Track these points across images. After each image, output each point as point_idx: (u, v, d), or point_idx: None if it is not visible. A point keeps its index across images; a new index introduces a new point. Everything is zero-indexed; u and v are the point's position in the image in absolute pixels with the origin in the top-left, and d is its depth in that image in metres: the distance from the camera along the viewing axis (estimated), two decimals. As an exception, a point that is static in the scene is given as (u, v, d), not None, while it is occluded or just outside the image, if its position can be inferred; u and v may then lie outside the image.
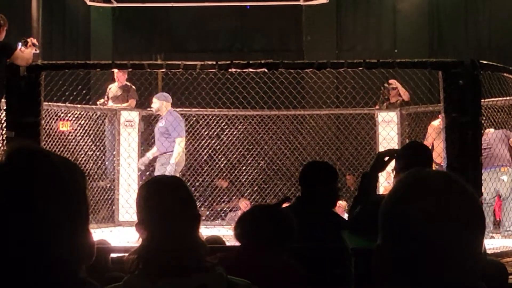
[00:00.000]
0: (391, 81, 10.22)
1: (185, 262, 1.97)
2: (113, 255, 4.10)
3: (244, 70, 6.90)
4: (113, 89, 10.69)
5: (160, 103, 9.09)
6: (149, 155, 9.52)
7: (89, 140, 9.61)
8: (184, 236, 2.03)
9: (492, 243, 7.44)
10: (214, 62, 6.46)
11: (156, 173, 8.78)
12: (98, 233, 7.89)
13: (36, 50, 7.10)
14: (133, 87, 10.70)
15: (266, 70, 6.70)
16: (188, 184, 10.17)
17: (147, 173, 9.96)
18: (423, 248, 1.33)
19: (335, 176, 4.18)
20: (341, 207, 10.42)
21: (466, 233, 1.34)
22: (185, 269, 1.95)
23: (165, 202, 2.05)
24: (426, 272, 1.33)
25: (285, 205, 3.71)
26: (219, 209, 10.82)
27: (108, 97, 10.67)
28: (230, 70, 6.76)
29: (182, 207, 2.06)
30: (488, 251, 6.71)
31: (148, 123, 10.70)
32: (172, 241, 2.00)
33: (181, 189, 2.11)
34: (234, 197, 10.88)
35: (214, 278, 1.97)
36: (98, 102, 10.56)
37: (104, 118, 10.17)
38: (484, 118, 7.74)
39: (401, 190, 1.40)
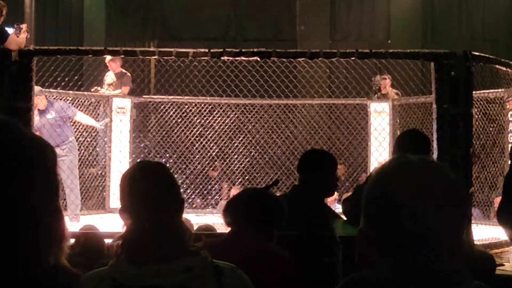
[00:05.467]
0: (385, 75, 10.24)
1: (170, 248, 1.98)
2: (108, 241, 4.10)
3: (237, 58, 6.90)
4: (110, 76, 10.68)
5: (36, 99, 8.41)
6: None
7: (81, 126, 9.59)
8: (169, 222, 2.03)
9: (481, 234, 7.47)
10: (207, 50, 6.45)
11: (68, 165, 8.57)
12: (89, 219, 7.91)
13: (28, 36, 7.11)
14: (128, 74, 10.68)
15: (258, 59, 6.69)
16: (180, 172, 10.28)
17: (138, 160, 9.98)
18: (404, 233, 1.34)
19: (335, 165, 4.14)
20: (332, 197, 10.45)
21: (448, 218, 1.35)
22: (170, 254, 1.96)
23: (149, 188, 2.05)
24: (408, 256, 1.34)
25: (279, 193, 3.70)
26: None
27: (104, 84, 10.65)
28: (222, 58, 6.75)
29: (166, 193, 2.07)
30: (477, 242, 6.75)
31: (141, 110, 10.71)
32: (157, 227, 2.00)
33: (165, 175, 2.12)
34: (225, 186, 10.90)
35: (199, 261, 1.98)
36: (91, 89, 10.55)
37: (96, 105, 10.15)
38: (476, 110, 7.77)
39: (384, 175, 1.41)
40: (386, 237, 1.36)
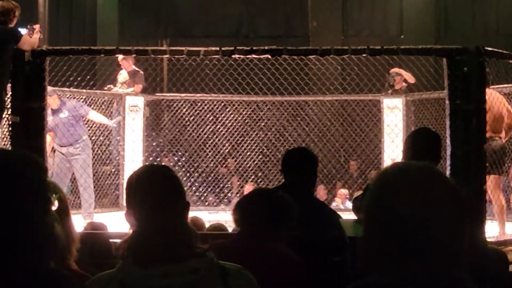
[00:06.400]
0: (393, 70, 10.19)
1: (176, 250, 2.00)
2: (116, 240, 4.11)
3: (248, 56, 6.88)
4: (123, 74, 10.73)
5: (49, 99, 8.41)
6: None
7: (94, 125, 9.65)
8: (175, 223, 2.05)
9: (496, 231, 7.43)
10: (218, 48, 6.42)
11: (81, 164, 8.62)
12: (102, 217, 7.95)
13: (41, 36, 7.14)
14: (141, 72, 10.71)
15: (269, 57, 6.67)
16: (193, 169, 10.29)
17: (150, 158, 10.05)
18: (405, 240, 1.35)
19: (313, 162, 4.15)
20: (343, 194, 10.45)
21: (449, 225, 1.36)
22: (176, 256, 1.98)
23: (155, 190, 2.07)
24: (410, 264, 1.34)
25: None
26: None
27: (117, 83, 10.69)
28: (233, 56, 6.74)
29: (171, 195, 2.09)
30: (492, 239, 6.70)
31: (154, 108, 10.74)
32: (163, 229, 2.03)
33: (171, 178, 2.13)
34: (236, 181, 10.92)
35: (206, 263, 2.01)
36: (104, 88, 10.61)
37: (109, 104, 10.21)
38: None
39: (384, 182, 1.41)
40: (388, 245, 1.37)
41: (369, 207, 1.42)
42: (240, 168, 10.78)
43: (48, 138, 7.97)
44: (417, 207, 1.35)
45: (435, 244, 1.34)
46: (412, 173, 1.40)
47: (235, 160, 10.85)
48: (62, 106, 8.77)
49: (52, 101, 8.43)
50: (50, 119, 8.56)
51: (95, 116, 9.30)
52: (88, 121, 9.29)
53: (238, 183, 10.89)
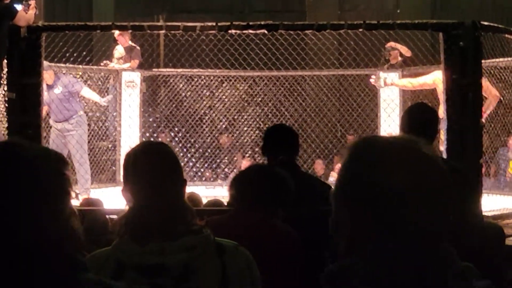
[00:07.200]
0: (389, 44, 10.15)
1: (173, 226, 2.01)
2: (112, 216, 4.12)
3: (244, 31, 6.86)
4: (119, 50, 10.69)
5: (44, 74, 8.27)
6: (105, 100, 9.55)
7: (90, 101, 9.63)
8: (172, 200, 2.06)
9: (493, 205, 7.45)
10: (214, 24, 6.40)
11: (77, 139, 8.63)
12: (99, 193, 7.98)
13: (36, 12, 7.11)
14: (137, 47, 10.67)
15: (266, 32, 6.66)
16: (190, 145, 10.30)
17: (147, 134, 10.06)
18: (382, 216, 1.30)
19: (297, 136, 4.15)
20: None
21: (427, 197, 1.31)
22: (173, 233, 1.99)
23: (153, 167, 2.07)
24: (390, 241, 1.29)
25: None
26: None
27: (114, 58, 10.65)
28: (230, 31, 6.71)
29: (169, 172, 2.10)
30: (489, 213, 6.74)
31: (150, 83, 10.72)
32: (160, 205, 2.04)
33: (168, 155, 2.14)
34: (235, 158, 10.93)
35: (202, 240, 2.02)
36: (101, 64, 10.57)
37: (106, 79, 10.18)
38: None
39: (356, 162, 1.36)
40: (366, 222, 1.31)
41: (342, 182, 1.35)
42: (237, 143, 10.79)
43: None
44: (393, 179, 1.29)
45: (415, 218, 1.29)
46: (386, 147, 1.34)
47: (232, 135, 10.87)
48: (57, 81, 8.76)
49: (47, 76, 8.40)
50: (45, 94, 8.54)
51: (88, 93, 9.26)
52: (84, 97, 9.29)
53: (241, 160, 10.89)
